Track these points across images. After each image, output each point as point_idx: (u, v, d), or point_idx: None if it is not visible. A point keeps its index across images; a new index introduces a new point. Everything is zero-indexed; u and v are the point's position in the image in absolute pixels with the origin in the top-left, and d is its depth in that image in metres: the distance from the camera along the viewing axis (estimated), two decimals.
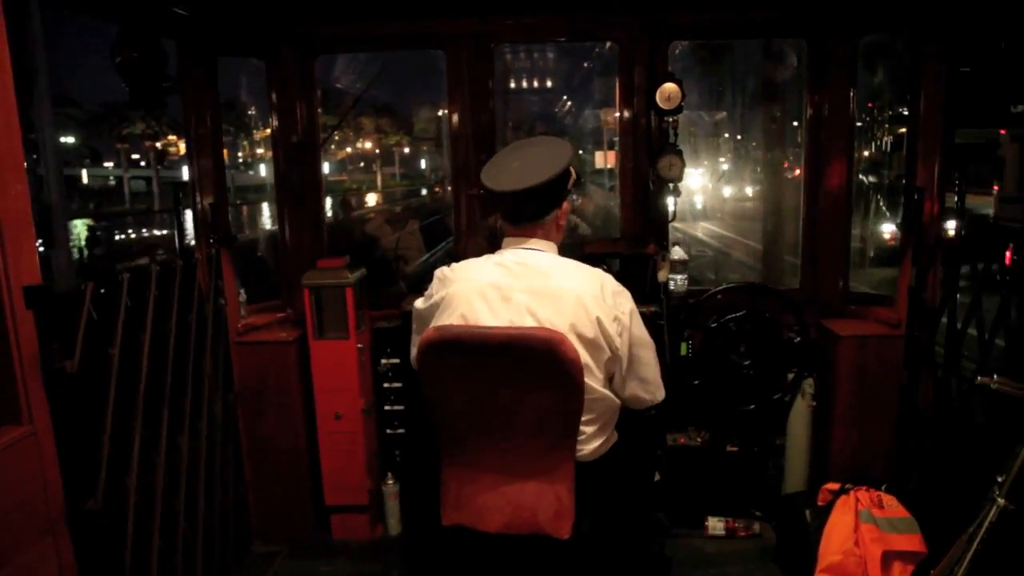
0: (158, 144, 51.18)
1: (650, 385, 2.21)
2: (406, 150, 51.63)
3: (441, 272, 2.23)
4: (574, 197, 2.21)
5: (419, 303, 2.28)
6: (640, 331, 2.16)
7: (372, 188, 47.19)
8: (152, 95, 3.11)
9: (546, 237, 2.21)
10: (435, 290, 2.21)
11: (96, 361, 2.27)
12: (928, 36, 3.08)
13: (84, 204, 42.52)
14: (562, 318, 2.01)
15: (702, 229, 20.87)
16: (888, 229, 11.56)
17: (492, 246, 2.28)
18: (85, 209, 40.13)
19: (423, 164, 52.01)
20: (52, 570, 1.99)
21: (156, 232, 33.01)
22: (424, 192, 41.57)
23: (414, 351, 2.16)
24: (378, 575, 3.20)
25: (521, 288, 2.06)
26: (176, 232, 3.23)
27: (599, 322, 2.03)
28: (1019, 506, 2.13)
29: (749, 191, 21.87)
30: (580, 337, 2.01)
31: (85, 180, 46.88)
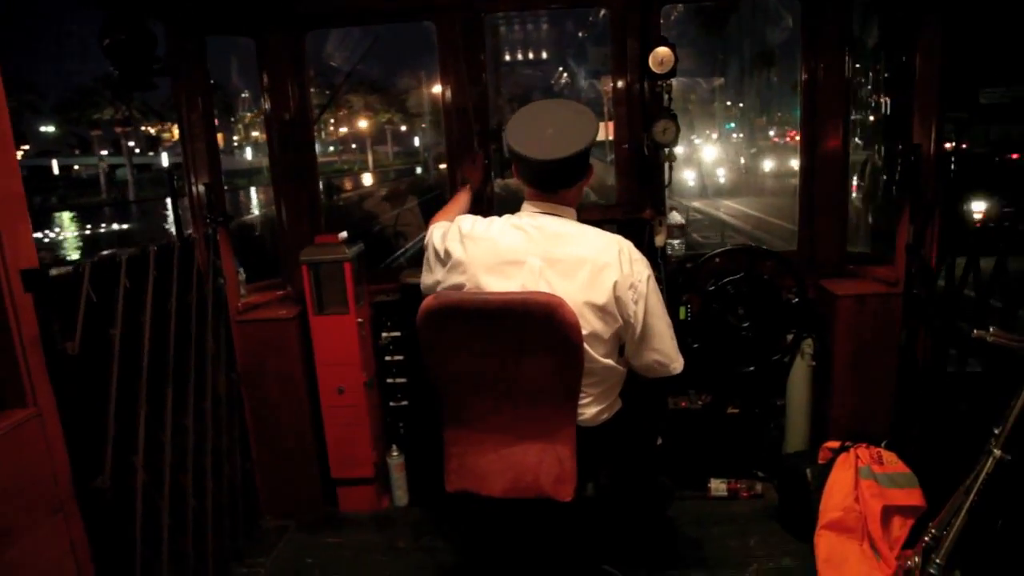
0: (152, 130, 50.71)
1: (665, 357, 2.19)
2: (403, 128, 51.16)
3: (464, 225, 2.21)
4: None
5: (438, 240, 2.25)
6: (656, 301, 2.14)
7: (364, 168, 46.88)
8: (141, 77, 3.09)
9: (570, 203, 2.21)
10: (451, 239, 2.19)
11: (97, 342, 2.29)
12: None
13: (66, 195, 42.00)
14: (575, 285, 2.02)
15: (727, 209, 19.55)
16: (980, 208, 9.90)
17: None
18: (47, 202, 39.46)
19: (416, 142, 51.52)
20: (64, 547, 2.02)
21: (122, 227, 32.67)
22: (419, 170, 41.23)
23: (426, 278, 2.25)
24: (386, 545, 3.24)
25: (537, 253, 2.07)
26: (173, 214, 3.24)
27: (615, 287, 2.02)
28: (1015, 457, 2.15)
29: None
30: (592, 304, 2.02)
31: (56, 170, 46.29)
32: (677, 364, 2.24)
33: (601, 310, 2.04)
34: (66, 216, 36.85)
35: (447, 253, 2.18)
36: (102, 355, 2.31)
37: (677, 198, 18.18)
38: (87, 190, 45.21)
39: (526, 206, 2.21)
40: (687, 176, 22.81)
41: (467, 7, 3.53)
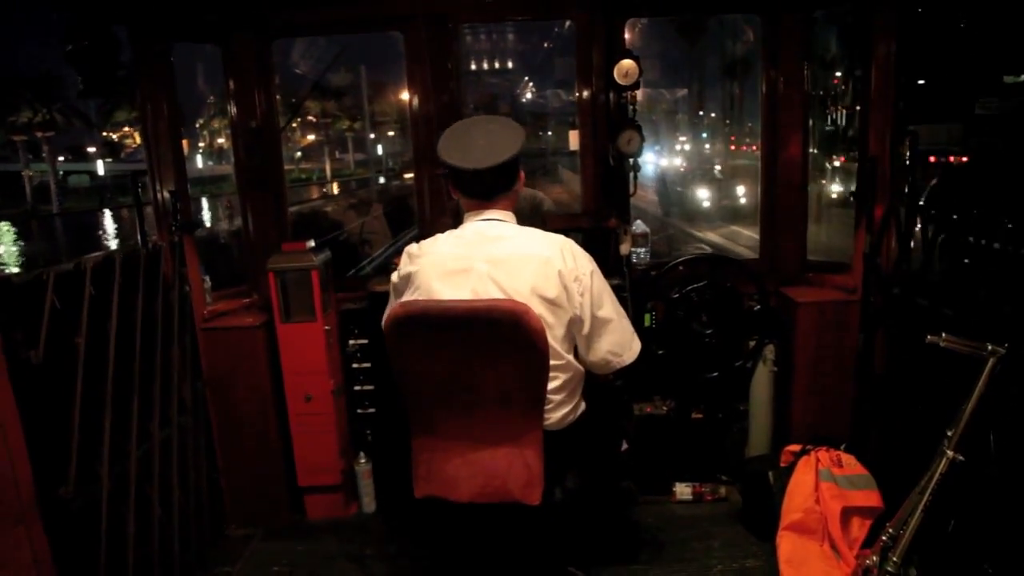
0: (115, 136, 49.29)
1: (618, 346, 2.25)
2: (371, 136, 50.57)
3: (410, 248, 2.29)
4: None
5: (394, 276, 2.33)
6: (602, 289, 2.21)
7: (322, 178, 45.97)
8: (105, 83, 3.07)
9: (507, 207, 2.27)
10: (404, 264, 2.26)
11: (62, 350, 2.26)
12: (877, 7, 3.14)
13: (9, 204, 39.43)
14: (523, 282, 2.07)
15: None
16: None
17: (457, 225, 2.32)
18: None
19: (379, 150, 50.92)
20: (26, 558, 2.00)
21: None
22: (382, 180, 40.63)
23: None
24: (354, 552, 3.23)
25: (481, 257, 2.12)
26: (137, 221, 3.20)
27: (560, 276, 2.09)
28: (967, 457, 2.23)
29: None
30: (542, 298, 2.07)
31: None
32: (631, 352, 2.30)
33: (552, 303, 2.10)
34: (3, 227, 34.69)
35: (404, 277, 2.24)
36: (66, 364, 2.29)
37: (686, 227, 16.18)
38: (20, 199, 41.88)
39: (467, 218, 2.28)
40: (701, 196, 20.30)
41: (434, 18, 3.55)
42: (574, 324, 2.16)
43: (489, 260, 2.11)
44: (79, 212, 40.39)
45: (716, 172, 20.13)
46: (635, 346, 2.31)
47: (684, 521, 3.33)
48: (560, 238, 2.21)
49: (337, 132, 49.55)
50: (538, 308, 2.03)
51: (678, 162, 28.03)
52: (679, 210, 19.01)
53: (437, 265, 2.15)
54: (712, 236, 14.62)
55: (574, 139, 3.81)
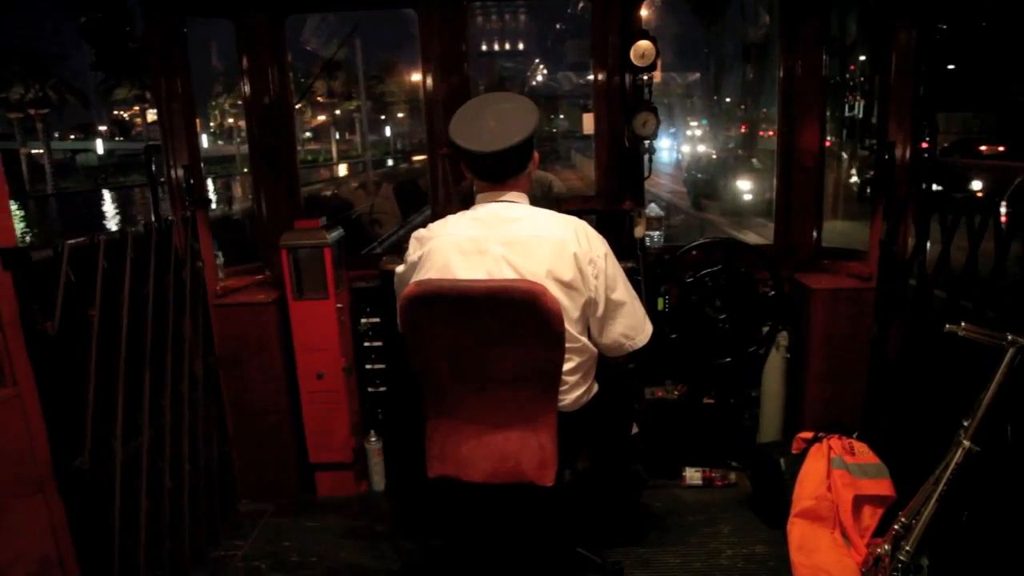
0: (125, 114, 49.06)
1: (631, 329, 2.25)
2: (382, 117, 50.20)
3: (418, 233, 2.27)
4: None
5: (399, 268, 2.32)
6: (615, 271, 2.20)
7: (328, 160, 45.59)
8: (118, 57, 3.06)
9: (521, 189, 2.25)
10: (413, 250, 2.24)
11: (76, 323, 2.27)
12: None
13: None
14: (538, 264, 2.05)
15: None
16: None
17: (467, 206, 2.30)
18: None
19: (387, 132, 50.50)
20: (44, 526, 2.02)
21: None
22: (391, 163, 40.23)
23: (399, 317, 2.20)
24: (363, 529, 3.24)
25: (497, 239, 2.10)
26: (151, 196, 3.20)
27: (575, 259, 2.07)
28: (983, 448, 2.21)
29: None
30: (558, 281, 2.06)
31: None
32: (644, 335, 2.29)
33: (568, 285, 2.08)
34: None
35: (413, 263, 2.23)
36: (80, 336, 2.29)
37: (725, 225, 14.14)
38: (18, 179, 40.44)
39: (480, 198, 2.26)
40: (742, 188, 16.73)
41: None
42: (588, 306, 2.15)
43: (504, 242, 2.10)
44: (74, 193, 39.87)
45: (754, 162, 18.31)
46: (647, 329, 2.31)
47: (693, 506, 3.33)
48: (574, 220, 2.19)
49: (346, 112, 49.18)
50: (554, 290, 2.02)
51: (702, 148, 27.36)
52: (714, 203, 17.28)
53: (453, 246, 2.13)
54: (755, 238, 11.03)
55: (588, 122, 3.78)
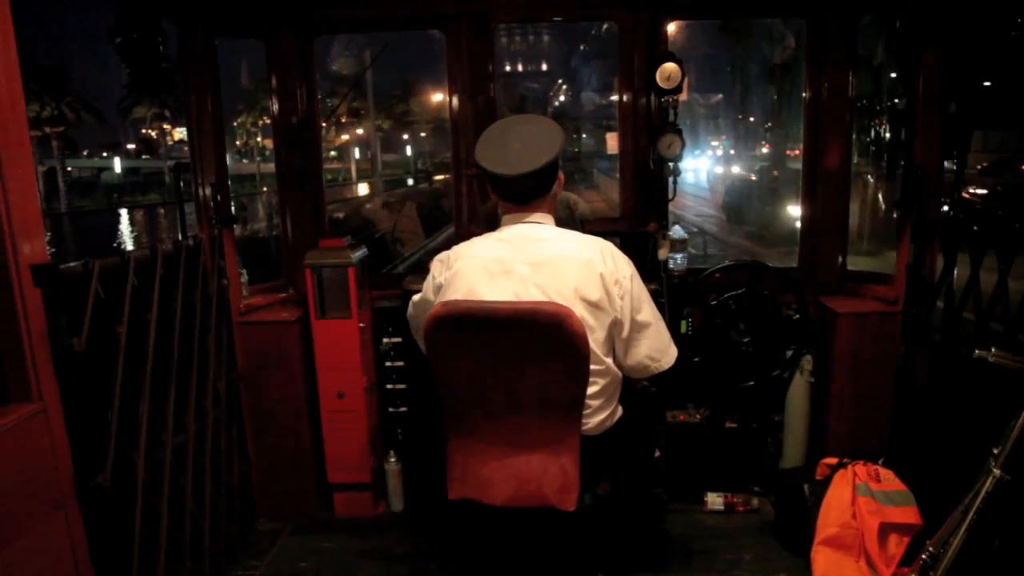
0: (152, 133, 49.72)
1: (656, 351, 2.23)
2: (404, 136, 50.53)
3: (442, 256, 2.28)
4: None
5: (416, 297, 2.35)
6: (641, 292, 2.20)
7: (349, 178, 45.82)
8: (152, 76, 3.11)
9: (547, 211, 2.25)
10: (437, 272, 2.25)
11: (103, 339, 2.29)
12: (926, 13, 3.08)
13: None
14: (565, 284, 2.05)
15: None
16: None
17: (492, 229, 2.31)
18: None
19: (408, 151, 50.69)
20: (64, 544, 2.02)
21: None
22: (411, 182, 40.38)
23: (421, 337, 2.19)
24: (381, 551, 3.23)
25: (523, 260, 2.10)
26: (178, 214, 3.24)
27: (602, 279, 2.07)
28: (1014, 476, 2.16)
29: None
30: (585, 301, 2.05)
31: None
32: (669, 357, 2.28)
33: (595, 305, 2.08)
34: None
35: (438, 285, 2.23)
36: (107, 352, 2.31)
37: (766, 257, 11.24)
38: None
39: (505, 220, 2.26)
40: (792, 214, 12.50)
41: (476, 16, 3.55)
42: (614, 327, 2.14)
43: (530, 262, 2.10)
44: (88, 212, 39.97)
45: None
46: (672, 351, 2.29)
47: (715, 531, 3.28)
48: (599, 240, 2.19)
49: (368, 132, 49.46)
50: (580, 311, 2.01)
51: (737, 170, 27.06)
52: (755, 229, 15.85)
53: (479, 267, 2.13)
54: None
55: (612, 141, 3.78)
